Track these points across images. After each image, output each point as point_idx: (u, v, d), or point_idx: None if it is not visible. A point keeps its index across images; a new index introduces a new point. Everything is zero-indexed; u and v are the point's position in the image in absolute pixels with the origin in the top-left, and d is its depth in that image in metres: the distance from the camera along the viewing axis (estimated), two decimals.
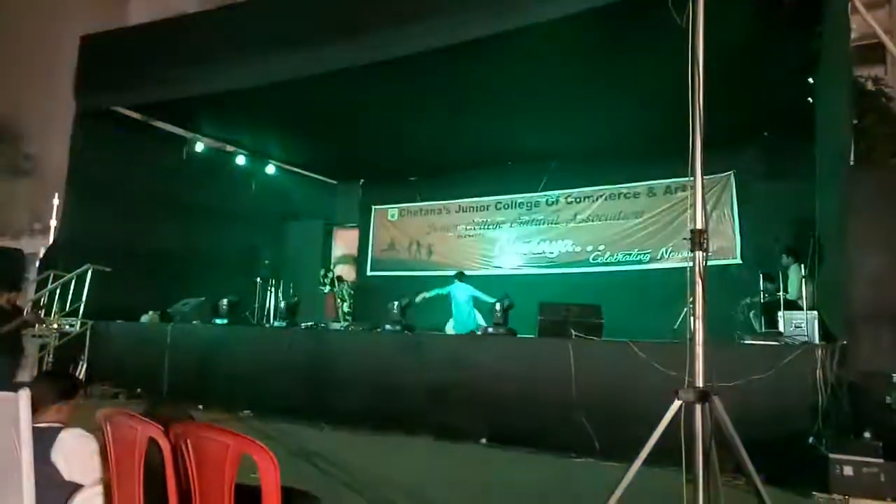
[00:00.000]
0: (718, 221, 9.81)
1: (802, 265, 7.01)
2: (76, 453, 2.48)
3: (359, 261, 13.70)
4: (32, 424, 2.22)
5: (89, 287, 9.28)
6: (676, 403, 2.66)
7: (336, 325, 9.56)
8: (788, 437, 4.71)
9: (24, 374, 7.23)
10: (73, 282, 9.26)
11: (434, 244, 12.55)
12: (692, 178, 2.88)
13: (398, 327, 7.91)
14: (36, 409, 2.34)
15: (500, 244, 12.04)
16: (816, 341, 5.25)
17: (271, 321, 10.13)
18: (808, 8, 6.01)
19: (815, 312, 5.61)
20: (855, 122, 6.43)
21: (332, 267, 13.12)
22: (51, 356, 8.74)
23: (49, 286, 9.25)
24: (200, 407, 7.30)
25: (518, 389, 6.17)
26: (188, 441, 2.16)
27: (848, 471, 4.23)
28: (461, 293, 9.66)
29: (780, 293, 6.77)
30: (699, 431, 2.63)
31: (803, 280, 6.89)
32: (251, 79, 8.36)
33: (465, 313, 9.58)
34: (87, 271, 9.28)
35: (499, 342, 7.03)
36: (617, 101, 8.42)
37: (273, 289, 10.75)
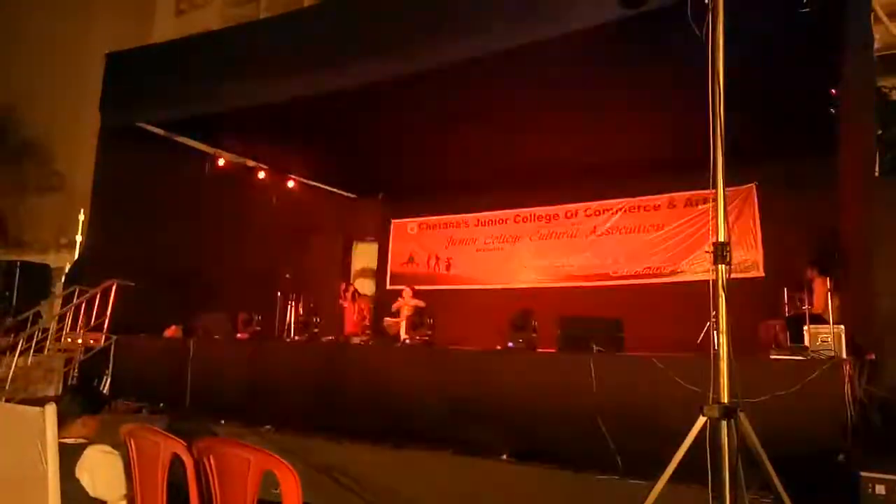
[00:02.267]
0: (740, 234, 9.68)
1: (828, 278, 6.90)
2: (101, 469, 2.50)
3: (378, 274, 13.74)
4: (59, 440, 2.24)
5: (114, 302, 9.41)
6: (701, 420, 2.63)
7: (356, 339, 9.57)
8: (817, 455, 4.60)
9: (51, 390, 7.33)
10: (98, 296, 9.39)
11: (453, 258, 12.54)
12: (714, 190, 2.86)
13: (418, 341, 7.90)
14: (62, 424, 2.37)
15: (520, 258, 12.00)
16: (844, 356, 5.14)
17: (291, 335, 10.17)
18: (829, 18, 5.96)
19: (842, 326, 5.50)
20: (879, 132, 6.35)
21: (351, 281, 13.16)
22: (76, 371, 8.86)
23: (74, 301, 9.39)
24: (222, 421, 7.33)
25: (539, 405, 6.11)
26: (211, 457, 2.18)
27: (880, 489, 4.11)
28: None
29: (806, 307, 6.66)
30: (725, 448, 2.59)
31: (829, 293, 6.77)
32: (273, 95, 8.46)
33: None
34: (111, 286, 9.41)
35: (519, 357, 6.98)
36: (637, 112, 8.39)
37: (293, 303, 10.80)
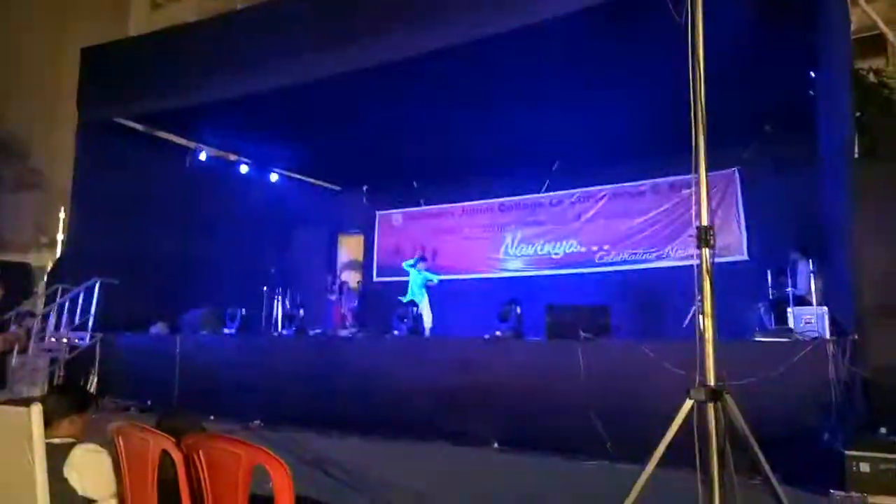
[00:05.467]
0: (724, 218, 9.76)
1: (811, 260, 6.98)
2: (89, 468, 2.48)
3: (364, 266, 13.72)
4: (45, 440, 2.22)
5: (97, 300, 9.31)
6: (688, 403, 2.65)
7: (344, 332, 9.56)
8: (803, 435, 4.67)
9: (36, 390, 7.27)
10: (82, 295, 9.29)
11: (439, 248, 12.54)
12: (696, 175, 2.88)
13: (407, 329, 7.91)
14: (48, 423, 2.34)
15: (506, 246, 12.03)
16: (827, 337, 5.22)
17: (279, 329, 10.14)
18: (807, 1, 5.99)
19: (825, 308, 5.58)
20: (858, 114, 6.41)
21: (338, 273, 13.12)
22: (62, 370, 8.77)
23: (57, 300, 9.29)
24: (212, 417, 7.30)
25: (528, 393, 6.15)
26: (200, 452, 2.17)
27: (865, 468, 4.19)
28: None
29: (790, 289, 6.74)
30: (712, 431, 2.61)
31: (812, 275, 6.86)
32: (252, 86, 8.38)
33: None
34: (94, 284, 9.31)
35: (507, 346, 7.01)
36: (619, 98, 8.39)
37: (280, 297, 10.76)
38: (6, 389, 7.60)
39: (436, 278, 10.94)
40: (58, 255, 17.14)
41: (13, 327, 8.02)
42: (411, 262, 11.03)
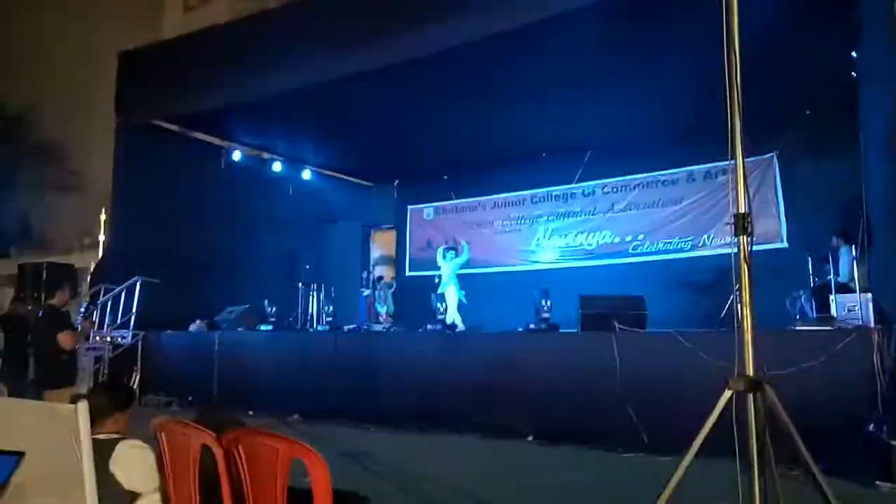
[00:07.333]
0: (762, 205, 9.53)
1: (853, 246, 6.78)
2: (134, 463, 2.55)
3: (397, 261, 13.79)
4: (91, 436, 2.28)
5: (139, 299, 9.56)
6: (727, 394, 2.60)
7: (378, 327, 9.63)
8: (846, 425, 4.56)
9: (82, 387, 7.47)
10: (124, 294, 9.54)
11: (471, 241, 12.53)
12: (733, 162, 2.81)
13: (440, 326, 7.93)
14: (94, 420, 2.41)
15: (538, 238, 11.95)
16: (872, 325, 5.06)
17: (314, 325, 10.26)
18: None
19: (869, 295, 5.42)
20: None
21: (371, 268, 13.22)
22: (106, 368, 9.03)
23: (101, 299, 9.55)
24: (251, 413, 7.44)
25: (563, 385, 6.12)
26: (240, 447, 2.21)
27: None
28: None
29: (832, 276, 6.56)
30: (752, 421, 2.56)
31: (855, 262, 6.66)
32: (285, 84, 8.49)
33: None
34: (136, 283, 9.55)
35: (541, 338, 6.98)
36: (651, 86, 8.26)
37: (315, 293, 10.88)
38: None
39: (464, 257, 10.76)
40: (100, 255, 17.61)
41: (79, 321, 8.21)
42: (441, 254, 10.93)
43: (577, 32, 6.89)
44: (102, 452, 2.42)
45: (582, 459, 5.50)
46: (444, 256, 10.63)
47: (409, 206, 13.65)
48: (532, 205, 12.12)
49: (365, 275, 12.36)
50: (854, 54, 6.85)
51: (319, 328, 9.70)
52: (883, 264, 5.57)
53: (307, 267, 11.38)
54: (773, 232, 9.61)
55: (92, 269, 13.21)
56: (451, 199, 13.02)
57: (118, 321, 9.51)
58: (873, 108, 5.93)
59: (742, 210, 2.75)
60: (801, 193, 9.31)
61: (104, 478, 2.39)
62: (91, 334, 8.84)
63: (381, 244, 14.32)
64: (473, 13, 7.05)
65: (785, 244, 9.50)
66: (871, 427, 4.51)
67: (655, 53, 7.35)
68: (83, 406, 2.14)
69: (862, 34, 6.23)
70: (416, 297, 11.72)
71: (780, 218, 9.65)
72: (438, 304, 9.25)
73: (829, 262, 6.92)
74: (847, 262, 6.97)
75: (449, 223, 13.01)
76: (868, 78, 6.14)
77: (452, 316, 9.44)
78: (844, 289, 6.42)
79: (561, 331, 7.17)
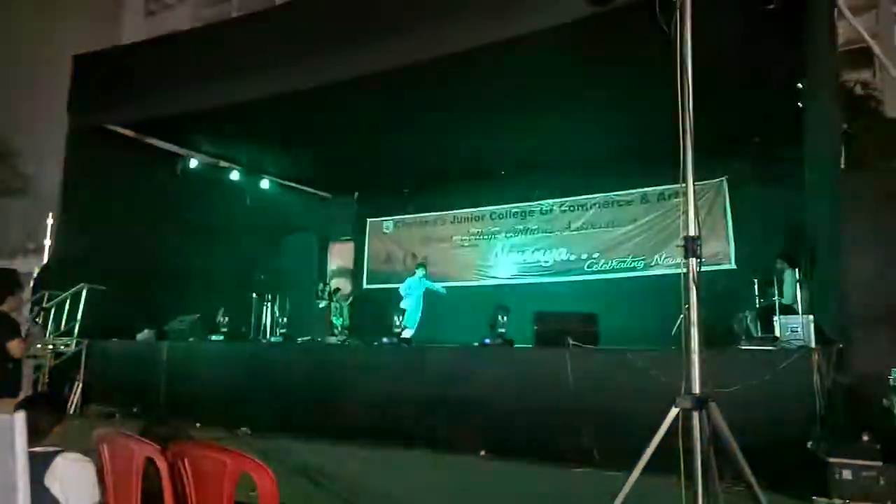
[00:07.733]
0: (712, 227, 9.84)
1: (797, 269, 7.04)
2: (72, 478, 2.45)
3: (355, 274, 13.70)
4: (28, 449, 2.20)
5: (84, 306, 9.24)
6: (674, 411, 2.67)
7: (332, 339, 9.53)
8: (787, 442, 4.71)
9: (20, 397, 7.17)
10: (68, 301, 9.22)
11: (430, 255, 12.55)
12: (683, 185, 2.90)
13: (395, 340, 7.89)
14: (31, 433, 2.32)
15: (496, 254, 12.05)
16: (813, 345, 5.26)
17: (268, 336, 10.10)
18: (795, 14, 6.07)
19: (811, 317, 5.62)
20: (844, 126, 6.48)
21: (328, 280, 13.10)
22: (46, 377, 8.69)
23: (43, 305, 9.21)
24: (198, 425, 7.26)
25: (516, 400, 6.15)
26: (186, 460, 2.16)
27: (847, 474, 4.23)
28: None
29: (776, 298, 6.79)
30: (697, 438, 2.63)
31: (798, 284, 6.91)
32: (245, 93, 8.37)
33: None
34: (81, 290, 9.24)
35: (496, 353, 7.01)
36: (608, 109, 8.47)
37: (269, 304, 10.72)
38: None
39: (439, 287, 11.04)
40: (44, 260, 17.00)
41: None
42: (417, 274, 11.02)
43: (538, 54, 7.04)
44: (38, 466, 2.33)
45: (533, 474, 5.53)
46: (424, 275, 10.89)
47: (369, 219, 13.60)
48: (491, 221, 12.23)
49: (321, 286, 12.24)
50: (800, 85, 7.16)
51: (272, 339, 9.55)
52: (824, 288, 5.80)
53: (262, 277, 11.20)
54: (723, 253, 9.91)
55: (35, 275, 12.75)
56: (410, 212, 13.03)
57: (61, 329, 9.18)
58: (816, 138, 6.20)
59: (692, 233, 2.84)
60: (749, 217, 9.64)
61: (40, 493, 2.30)
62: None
63: (339, 256, 14.21)
64: (437, 30, 7.11)
65: (733, 265, 9.80)
66: (809, 444, 4.66)
67: (613, 77, 7.54)
68: (20, 416, 2.07)
69: (808, 67, 6.52)
70: (372, 310, 11.65)
71: (728, 240, 9.97)
72: (396, 318, 9.24)
73: (773, 284, 7.16)
74: (791, 285, 7.22)
75: (408, 237, 13.01)
76: (812, 109, 6.42)
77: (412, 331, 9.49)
78: (788, 310, 6.65)
79: (516, 346, 7.22)
